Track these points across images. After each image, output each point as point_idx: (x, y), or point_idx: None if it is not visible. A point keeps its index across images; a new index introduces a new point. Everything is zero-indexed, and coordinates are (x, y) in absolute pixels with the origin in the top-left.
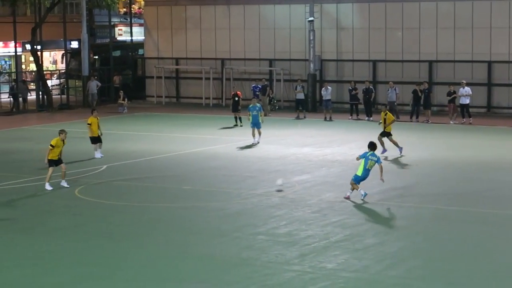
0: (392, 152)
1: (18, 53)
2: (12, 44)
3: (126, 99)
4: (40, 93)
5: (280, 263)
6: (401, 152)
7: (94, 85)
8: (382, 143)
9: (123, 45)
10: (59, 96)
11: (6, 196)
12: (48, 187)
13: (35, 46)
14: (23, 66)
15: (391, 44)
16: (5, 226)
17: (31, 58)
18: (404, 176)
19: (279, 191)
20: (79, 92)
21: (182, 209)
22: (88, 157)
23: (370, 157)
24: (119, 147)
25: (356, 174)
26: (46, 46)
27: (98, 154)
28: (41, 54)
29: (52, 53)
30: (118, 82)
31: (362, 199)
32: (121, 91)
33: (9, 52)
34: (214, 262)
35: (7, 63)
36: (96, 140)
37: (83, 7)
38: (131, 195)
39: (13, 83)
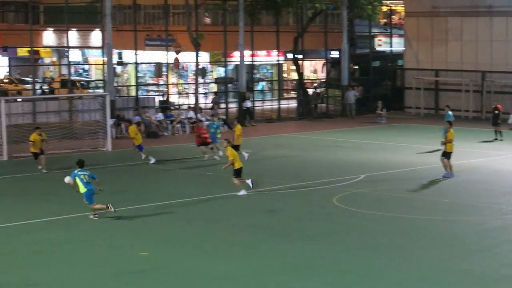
0: None
1: (280, 62)
2: (274, 52)
3: (384, 110)
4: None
5: None
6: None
7: (351, 95)
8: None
9: (382, 55)
10: (318, 105)
11: (269, 202)
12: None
13: (296, 55)
14: (285, 75)
15: None
16: (265, 232)
17: (292, 67)
18: None
19: None
20: (338, 102)
21: (440, 222)
22: (346, 166)
23: None
24: (377, 157)
25: None
26: (307, 55)
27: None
28: (302, 63)
29: (313, 62)
30: (359, 94)
31: None
32: (380, 102)
33: (271, 60)
34: (472, 277)
35: (269, 71)
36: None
37: (344, 18)
38: (389, 205)
39: (297, 90)
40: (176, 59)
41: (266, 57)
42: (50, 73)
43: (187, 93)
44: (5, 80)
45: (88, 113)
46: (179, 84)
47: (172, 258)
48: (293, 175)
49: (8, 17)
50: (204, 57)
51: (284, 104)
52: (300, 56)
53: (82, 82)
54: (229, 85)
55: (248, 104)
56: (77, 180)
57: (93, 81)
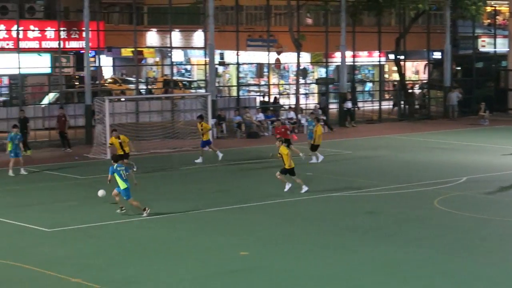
0: None
1: (381, 63)
2: (376, 53)
3: (487, 111)
4: (402, 102)
5: None
6: None
7: (454, 96)
8: None
9: (486, 56)
10: (419, 106)
11: (368, 203)
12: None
13: (398, 56)
14: (386, 76)
15: None
16: (363, 234)
17: (394, 68)
18: None
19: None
20: (440, 103)
21: None
22: (448, 168)
23: None
24: (480, 160)
25: None
26: (409, 56)
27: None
28: (404, 64)
29: (415, 63)
30: (460, 97)
31: None
32: (483, 103)
33: (372, 61)
34: None
35: (370, 72)
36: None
37: (447, 18)
38: (491, 208)
39: (399, 91)
40: (278, 60)
41: (367, 58)
42: (153, 73)
43: (287, 94)
44: (109, 80)
45: (190, 113)
46: (280, 84)
47: (272, 258)
48: (393, 176)
49: (113, 18)
50: (305, 58)
51: (385, 105)
52: (402, 57)
53: (184, 82)
54: (330, 85)
55: (349, 105)
56: (116, 176)
57: (195, 81)
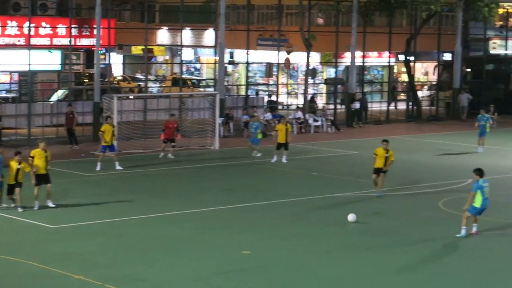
0: None
1: (391, 64)
2: (386, 54)
3: (496, 113)
4: (410, 103)
5: None
6: None
7: (465, 98)
8: None
9: (496, 58)
10: (428, 107)
11: (373, 204)
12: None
13: (408, 57)
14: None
15: None
16: (373, 234)
17: (403, 69)
18: None
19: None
20: (448, 104)
21: None
22: (453, 170)
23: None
24: (485, 162)
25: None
26: (419, 57)
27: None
28: (414, 65)
29: (424, 64)
30: (470, 99)
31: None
32: (492, 105)
33: (382, 62)
34: None
35: (380, 73)
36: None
37: (459, 20)
38: (497, 211)
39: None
40: (287, 59)
41: (377, 59)
42: (162, 71)
43: (296, 93)
44: (118, 78)
45: (198, 111)
46: (289, 84)
47: (274, 257)
48: (399, 177)
49: (125, 16)
50: (315, 58)
51: (393, 106)
52: (412, 58)
53: (193, 81)
54: (339, 86)
55: (357, 105)
56: None
57: (204, 80)
